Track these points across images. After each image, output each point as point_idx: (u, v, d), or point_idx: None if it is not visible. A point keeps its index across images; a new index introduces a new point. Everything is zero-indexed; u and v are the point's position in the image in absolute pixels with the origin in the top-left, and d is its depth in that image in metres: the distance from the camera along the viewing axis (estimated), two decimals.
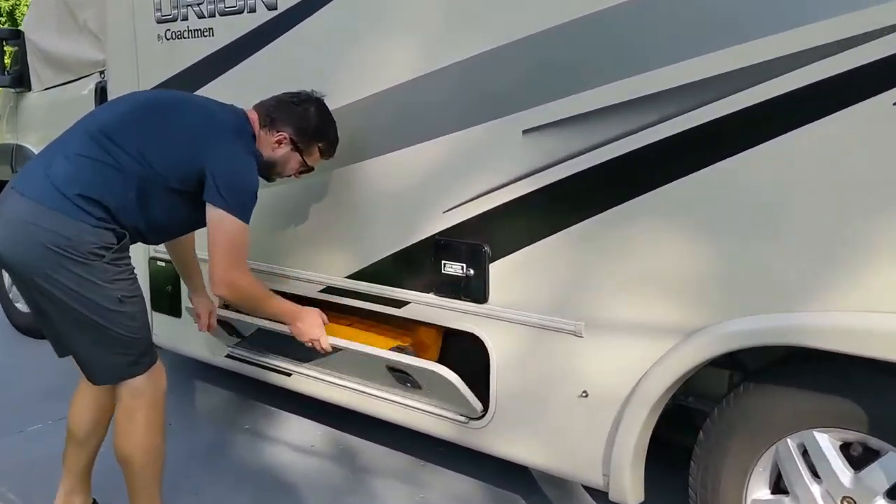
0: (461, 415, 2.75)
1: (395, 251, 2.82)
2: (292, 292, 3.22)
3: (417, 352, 3.23)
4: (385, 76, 2.73)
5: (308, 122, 2.69)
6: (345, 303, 3.03)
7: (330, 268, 3.05)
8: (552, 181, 2.37)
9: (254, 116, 2.69)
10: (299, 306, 2.83)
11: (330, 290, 3.07)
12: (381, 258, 2.87)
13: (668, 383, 2.21)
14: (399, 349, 2.88)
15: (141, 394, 2.50)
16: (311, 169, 2.81)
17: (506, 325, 2.55)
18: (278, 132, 2.66)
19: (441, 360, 3.28)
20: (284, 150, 2.69)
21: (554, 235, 2.39)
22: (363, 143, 2.85)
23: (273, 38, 3.04)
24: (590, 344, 2.36)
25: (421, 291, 2.77)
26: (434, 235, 2.69)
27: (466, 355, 3.10)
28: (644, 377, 2.25)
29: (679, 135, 2.10)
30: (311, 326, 2.80)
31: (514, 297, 2.52)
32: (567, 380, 2.43)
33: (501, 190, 2.48)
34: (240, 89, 3.19)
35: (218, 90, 3.25)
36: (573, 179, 2.33)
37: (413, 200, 2.74)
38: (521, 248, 2.48)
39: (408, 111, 2.70)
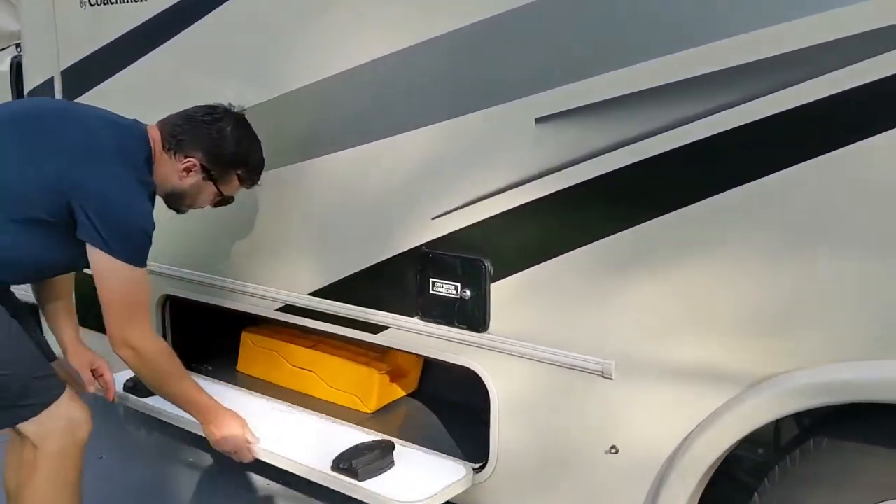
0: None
1: (370, 264, 2.31)
2: (243, 310, 2.69)
3: (393, 379, 2.74)
4: (359, 50, 2.20)
5: (223, 145, 2.17)
6: (307, 325, 2.52)
7: (290, 282, 2.53)
8: (573, 183, 1.88)
9: (156, 135, 2.15)
10: (219, 406, 2.28)
11: (290, 308, 2.54)
12: (352, 272, 2.36)
13: (726, 446, 1.74)
14: (345, 465, 2.17)
15: (37, 444, 1.98)
16: (229, 200, 2.30)
17: (512, 360, 2.06)
18: (186, 157, 2.15)
19: (421, 390, 2.81)
20: (194, 178, 2.18)
21: (576, 251, 1.90)
22: (331, 133, 2.33)
23: (220, 3, 2.50)
24: (621, 388, 1.88)
25: (403, 314, 2.26)
26: (420, 247, 2.18)
27: (455, 387, 2.62)
28: (692, 435, 1.78)
29: (756, 123, 1.62)
30: (231, 437, 2.25)
31: (522, 326, 2.03)
32: (591, 431, 1.95)
33: (508, 193, 1.99)
34: (179, 65, 2.63)
35: (154, 66, 2.70)
36: (601, 181, 1.84)
37: (394, 203, 2.23)
38: (532, 264, 1.99)
39: (387, 93, 2.18)
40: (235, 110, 2.23)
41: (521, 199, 1.97)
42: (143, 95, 2.73)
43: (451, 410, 2.64)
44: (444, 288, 2.15)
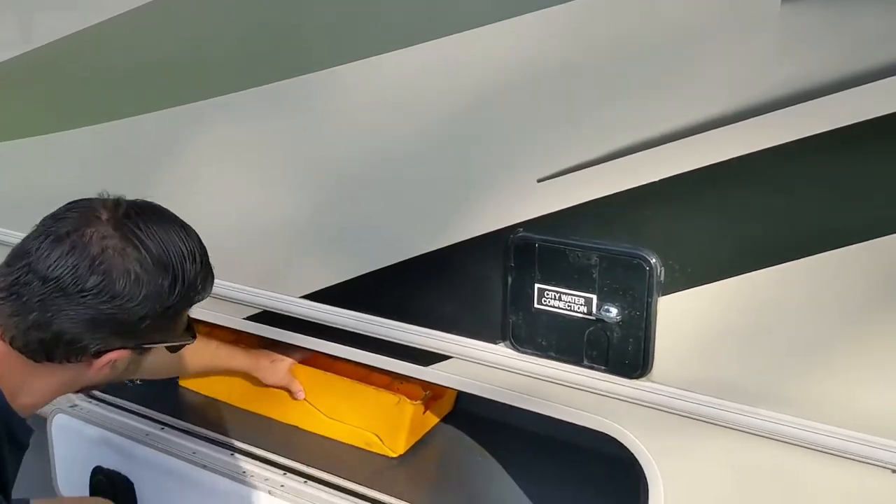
0: None
1: (417, 254, 1.37)
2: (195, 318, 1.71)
3: (429, 405, 1.84)
4: None
5: (161, 302, 1.10)
6: (298, 343, 1.57)
7: (271, 278, 1.56)
8: (852, 121, 0.97)
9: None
10: None
11: (268, 317, 1.59)
12: (384, 265, 1.41)
13: None
14: None
15: None
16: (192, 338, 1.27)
17: (700, 431, 1.17)
18: (94, 355, 1.12)
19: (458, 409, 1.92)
20: (121, 366, 1.18)
21: (841, 250, 1.01)
22: (344, 34, 1.33)
23: None
24: None
25: (477, 338, 1.34)
26: (515, 228, 1.25)
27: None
28: None
29: None
30: None
31: (723, 374, 1.14)
32: None
33: (705, 135, 1.06)
34: None
35: None
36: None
37: (461, 151, 1.28)
38: (749, 268, 1.08)
39: None
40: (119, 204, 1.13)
41: (732, 147, 1.04)
42: None
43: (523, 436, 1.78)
44: (565, 301, 1.23)
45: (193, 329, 1.26)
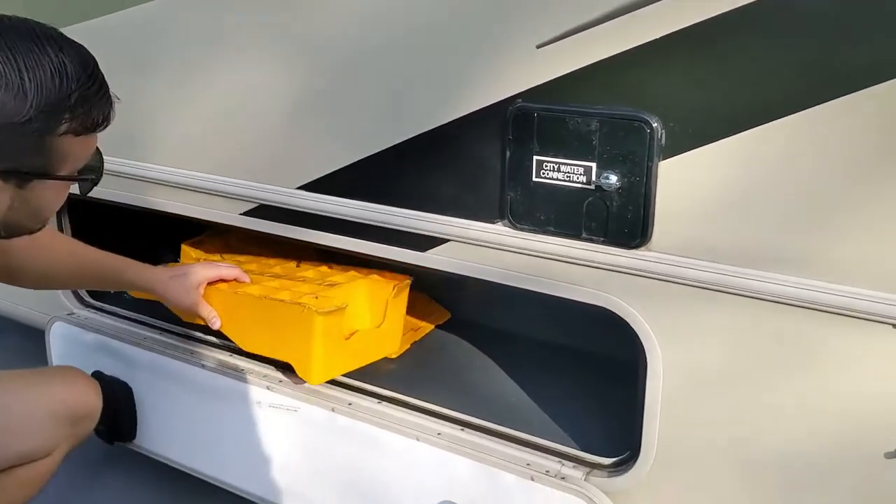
0: (565, 457, 1.39)
1: (411, 135, 1.34)
2: (187, 215, 1.69)
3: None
4: None
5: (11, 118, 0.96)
6: (295, 235, 1.55)
7: (266, 170, 1.54)
8: None
9: None
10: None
11: (264, 211, 1.57)
12: (379, 149, 1.38)
13: None
14: None
15: None
16: (91, 178, 1.16)
17: (698, 298, 1.16)
18: None
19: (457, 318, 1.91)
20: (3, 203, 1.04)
21: (844, 98, 0.98)
22: None
23: None
24: None
25: (475, 219, 1.32)
26: (513, 99, 1.22)
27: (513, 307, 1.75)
28: None
29: None
30: None
31: (721, 237, 1.12)
32: (870, 422, 1.09)
33: None
34: None
35: None
36: None
37: (457, 19, 1.24)
38: (753, 124, 1.06)
39: None
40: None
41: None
42: None
43: (520, 343, 1.78)
44: (563, 172, 1.21)
45: (97, 174, 1.15)
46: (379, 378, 1.64)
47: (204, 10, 1.51)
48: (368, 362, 1.61)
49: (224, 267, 1.64)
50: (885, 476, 1.10)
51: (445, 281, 1.90)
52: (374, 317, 1.63)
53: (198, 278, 1.57)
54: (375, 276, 1.67)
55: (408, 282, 1.68)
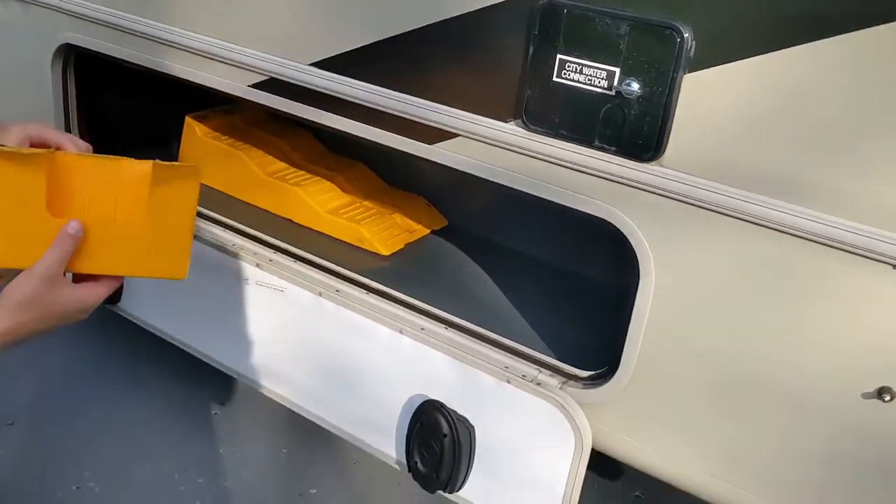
0: (543, 366, 1.40)
1: (430, 21, 1.30)
2: (194, 81, 1.65)
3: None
4: None
5: None
6: (301, 114, 1.52)
7: (278, 41, 1.50)
8: None
9: None
10: None
11: (273, 85, 1.53)
12: (394, 33, 1.35)
13: None
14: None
15: None
16: None
17: (704, 220, 1.15)
18: None
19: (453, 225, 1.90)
20: None
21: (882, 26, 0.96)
22: None
23: None
24: None
25: (488, 115, 1.30)
26: None
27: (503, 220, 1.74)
28: None
29: None
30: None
31: (735, 159, 1.10)
32: (843, 360, 1.10)
33: None
34: None
35: None
36: None
37: None
38: (787, 43, 1.03)
39: None
40: None
41: None
42: None
43: (512, 256, 1.78)
44: (586, 74, 1.18)
45: None
46: (368, 271, 1.63)
47: None
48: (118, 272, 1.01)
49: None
50: (857, 415, 1.11)
51: (445, 187, 1.91)
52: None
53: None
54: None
55: (196, 169, 1.01)
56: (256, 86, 1.56)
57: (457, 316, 1.49)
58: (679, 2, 1.09)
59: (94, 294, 0.97)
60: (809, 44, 1.01)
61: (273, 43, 1.50)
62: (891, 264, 1.03)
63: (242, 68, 1.55)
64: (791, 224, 1.08)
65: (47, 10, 1.80)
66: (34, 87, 1.91)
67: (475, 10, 1.25)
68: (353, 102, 1.43)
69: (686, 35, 1.08)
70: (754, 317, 1.15)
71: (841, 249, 1.05)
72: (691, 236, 1.17)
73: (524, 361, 1.41)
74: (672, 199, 1.16)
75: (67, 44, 1.81)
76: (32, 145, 1.03)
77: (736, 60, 1.07)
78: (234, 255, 1.64)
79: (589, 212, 1.25)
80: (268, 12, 1.50)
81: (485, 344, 1.43)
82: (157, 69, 1.69)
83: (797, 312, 1.12)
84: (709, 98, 1.10)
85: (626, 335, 1.27)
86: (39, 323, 0.93)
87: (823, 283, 1.09)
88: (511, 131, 1.28)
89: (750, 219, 1.11)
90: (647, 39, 1.11)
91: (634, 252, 1.22)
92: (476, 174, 1.35)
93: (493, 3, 1.23)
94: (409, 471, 1.47)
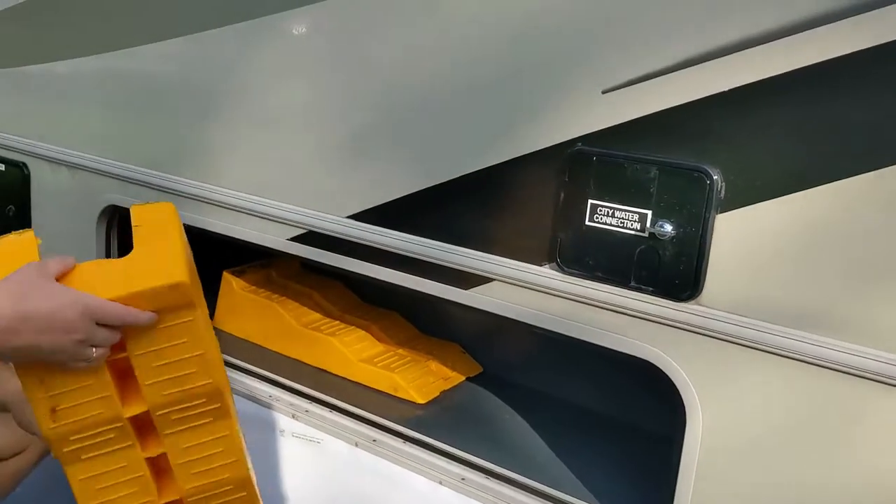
0: None
1: (464, 172, 1.35)
2: (233, 236, 1.71)
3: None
4: None
5: None
6: (340, 265, 1.55)
7: (316, 196, 1.56)
8: None
9: None
10: None
11: (312, 238, 1.58)
12: (430, 184, 1.40)
13: None
14: None
15: None
16: None
17: (746, 357, 1.13)
18: None
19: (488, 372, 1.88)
20: None
21: None
22: None
23: None
24: None
25: (523, 259, 1.32)
26: (573, 142, 1.23)
27: (545, 366, 1.71)
28: None
29: None
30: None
31: (775, 297, 1.10)
32: None
33: (781, 43, 1.04)
34: None
35: None
36: None
37: (522, 60, 1.27)
38: (814, 183, 1.05)
39: None
40: None
41: (800, 55, 1.02)
42: None
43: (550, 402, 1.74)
44: (618, 217, 1.20)
45: None
46: (405, 419, 1.61)
47: (265, 37, 1.57)
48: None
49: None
50: None
51: (478, 333, 1.91)
52: None
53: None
54: None
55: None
56: (295, 239, 1.61)
57: (498, 465, 1.45)
58: (707, 145, 1.12)
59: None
60: (840, 181, 1.03)
61: (311, 198, 1.56)
62: None
63: (282, 223, 1.61)
64: (836, 360, 1.06)
65: (93, 174, 1.90)
66: (80, 246, 1.98)
67: (508, 160, 1.30)
68: (389, 252, 1.46)
69: (715, 177, 1.11)
70: (810, 459, 1.11)
71: (881, 382, 1.03)
72: (737, 375, 1.15)
73: None
74: (713, 337, 1.15)
75: (112, 205, 1.90)
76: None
77: (766, 200, 1.09)
78: (269, 406, 1.63)
79: (629, 353, 1.23)
80: (306, 170, 1.56)
81: (530, 494, 1.38)
82: (199, 226, 1.75)
83: (855, 454, 1.08)
84: (745, 236, 1.11)
85: (675, 479, 1.22)
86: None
87: (881, 422, 1.05)
88: (547, 274, 1.29)
89: (796, 356, 1.09)
90: (676, 182, 1.15)
91: (678, 392, 1.20)
92: (513, 317, 1.35)
93: (526, 152, 1.28)
94: None
